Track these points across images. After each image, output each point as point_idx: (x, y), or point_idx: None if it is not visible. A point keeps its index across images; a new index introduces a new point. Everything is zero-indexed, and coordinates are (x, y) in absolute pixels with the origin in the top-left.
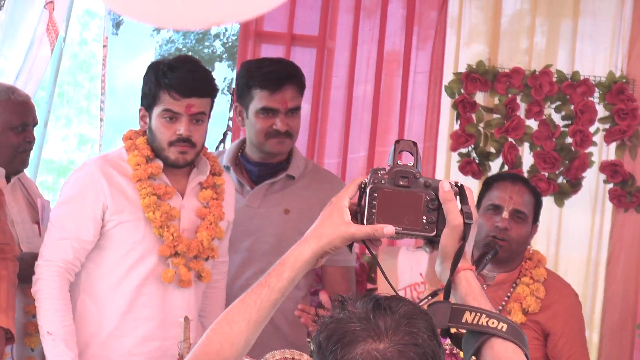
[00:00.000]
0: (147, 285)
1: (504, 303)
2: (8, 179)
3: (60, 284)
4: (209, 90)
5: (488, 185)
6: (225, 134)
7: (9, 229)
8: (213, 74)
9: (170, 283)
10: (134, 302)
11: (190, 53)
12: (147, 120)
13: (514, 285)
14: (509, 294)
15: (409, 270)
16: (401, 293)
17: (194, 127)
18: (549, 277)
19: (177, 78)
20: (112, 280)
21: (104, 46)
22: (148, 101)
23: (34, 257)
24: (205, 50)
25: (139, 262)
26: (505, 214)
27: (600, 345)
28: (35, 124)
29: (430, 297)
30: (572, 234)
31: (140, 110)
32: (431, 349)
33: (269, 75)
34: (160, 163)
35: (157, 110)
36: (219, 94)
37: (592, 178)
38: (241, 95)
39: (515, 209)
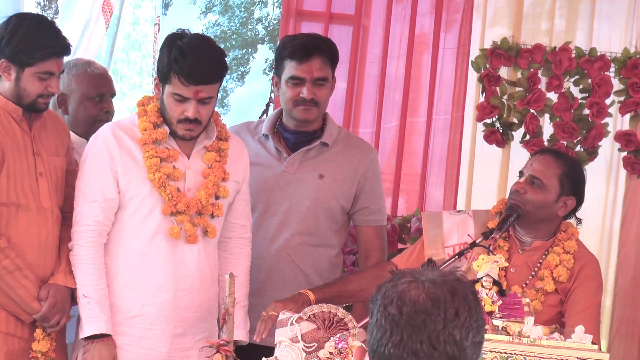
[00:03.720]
0: (156, 240)
1: (536, 269)
2: None
3: (94, 249)
4: (217, 77)
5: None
6: (267, 105)
7: None
8: (255, 55)
9: (178, 239)
10: (145, 255)
11: (234, 36)
12: (161, 89)
13: (546, 252)
14: (541, 260)
15: (455, 231)
16: (449, 250)
17: (201, 107)
18: (578, 247)
19: (186, 67)
20: (124, 236)
21: (156, 24)
22: (160, 77)
23: None
24: (249, 33)
25: (147, 218)
26: (522, 179)
27: (613, 305)
28: (113, 94)
29: (457, 257)
30: (588, 203)
31: (155, 78)
32: (465, 293)
33: (298, 47)
34: (166, 129)
35: (168, 89)
36: (260, 74)
37: (608, 147)
38: (276, 67)
39: (532, 175)
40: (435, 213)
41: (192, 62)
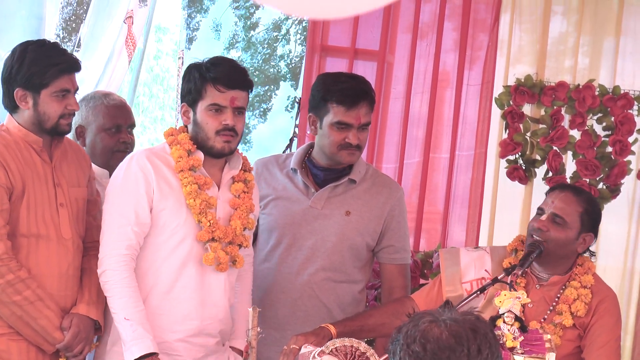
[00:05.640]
0: (187, 268)
1: (554, 303)
2: None
3: (129, 273)
4: (248, 83)
5: (546, 193)
6: (291, 140)
7: None
8: (278, 92)
9: (209, 266)
10: (174, 283)
11: (257, 72)
12: (190, 115)
13: (564, 287)
14: (558, 295)
15: (472, 267)
16: (467, 286)
17: (237, 118)
18: (594, 281)
19: (221, 72)
20: (154, 262)
21: (179, 58)
22: (193, 97)
23: None
24: (271, 70)
25: (180, 245)
26: (544, 217)
27: (634, 344)
28: (131, 125)
29: (479, 293)
30: (610, 243)
31: (182, 106)
32: (485, 331)
33: (346, 92)
34: (201, 156)
35: (203, 105)
36: (282, 111)
37: (630, 185)
38: (316, 107)
39: (554, 213)
40: (452, 250)
41: (226, 67)
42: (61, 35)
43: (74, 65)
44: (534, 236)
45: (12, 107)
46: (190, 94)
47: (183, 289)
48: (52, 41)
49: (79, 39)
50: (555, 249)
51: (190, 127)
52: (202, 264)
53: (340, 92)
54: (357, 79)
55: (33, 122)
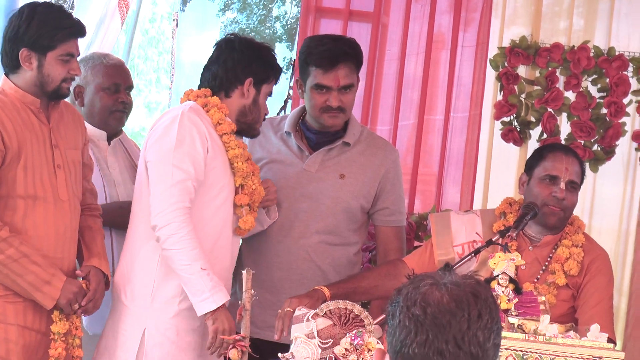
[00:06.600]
0: (225, 229)
1: (546, 263)
2: (111, 141)
3: (192, 225)
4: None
5: (541, 155)
6: (285, 102)
7: (96, 190)
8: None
9: (231, 229)
10: (215, 243)
11: (252, 34)
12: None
13: (556, 246)
14: (551, 255)
15: (463, 230)
16: (458, 249)
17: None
18: (585, 240)
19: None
20: (200, 221)
21: (174, 20)
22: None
23: (113, 206)
24: (267, 31)
25: (222, 206)
26: (562, 185)
27: (629, 305)
28: (129, 86)
29: (473, 255)
30: (605, 204)
31: (247, 81)
32: (486, 296)
33: (324, 54)
34: (229, 120)
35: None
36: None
37: (625, 146)
38: (301, 69)
39: (571, 180)
40: (442, 214)
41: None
42: None
43: (82, 30)
44: (550, 205)
45: (12, 67)
46: (257, 73)
47: (220, 249)
48: (58, 5)
49: (73, 1)
50: (569, 214)
51: (251, 105)
52: (232, 226)
53: (319, 55)
54: (339, 41)
55: (35, 84)
